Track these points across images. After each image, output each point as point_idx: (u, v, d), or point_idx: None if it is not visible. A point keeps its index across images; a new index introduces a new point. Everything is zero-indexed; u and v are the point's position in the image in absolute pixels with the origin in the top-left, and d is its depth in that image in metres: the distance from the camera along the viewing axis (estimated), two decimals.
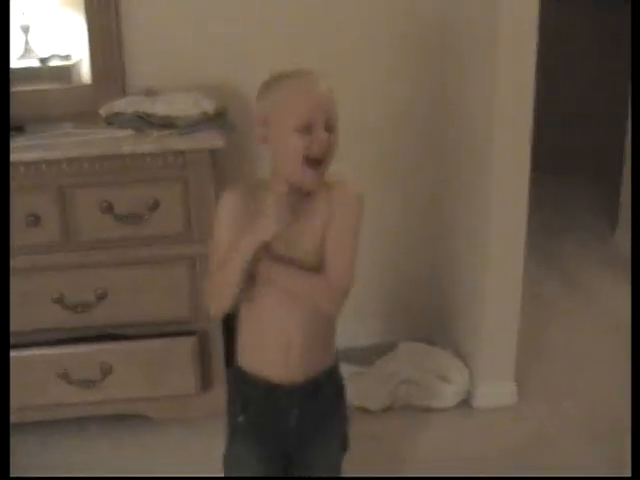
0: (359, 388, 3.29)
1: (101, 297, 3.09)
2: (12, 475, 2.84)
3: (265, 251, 2.05)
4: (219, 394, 3.27)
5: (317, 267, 2.08)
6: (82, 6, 3.31)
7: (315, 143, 1.99)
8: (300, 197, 2.05)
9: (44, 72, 3.43)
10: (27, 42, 3.38)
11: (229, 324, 3.35)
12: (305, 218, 2.07)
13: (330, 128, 2.01)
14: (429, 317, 3.88)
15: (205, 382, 3.26)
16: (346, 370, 2.37)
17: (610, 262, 4.81)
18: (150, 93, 3.27)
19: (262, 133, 2.06)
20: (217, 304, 2.16)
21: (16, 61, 3.38)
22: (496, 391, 3.42)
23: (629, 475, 2.09)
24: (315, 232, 2.08)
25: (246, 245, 2.01)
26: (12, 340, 2.96)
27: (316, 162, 2.01)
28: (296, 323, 2.12)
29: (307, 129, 1.98)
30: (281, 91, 2.04)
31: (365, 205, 2.12)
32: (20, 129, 3.07)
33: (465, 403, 3.43)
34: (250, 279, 2.09)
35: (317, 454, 2.27)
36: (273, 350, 2.15)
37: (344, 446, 2.34)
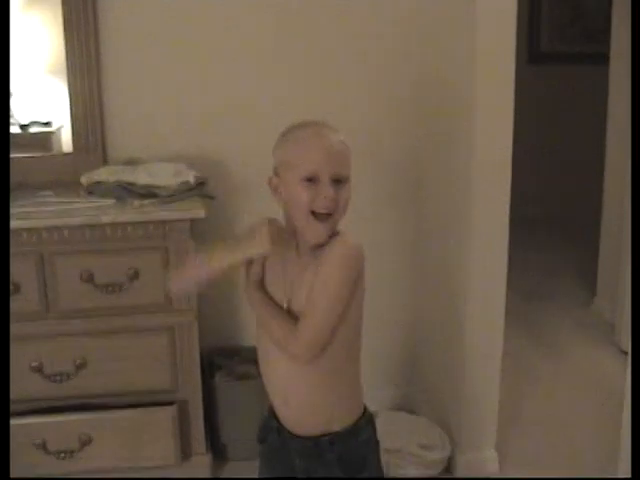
0: None
1: (80, 366, 3.07)
2: None
3: (258, 287, 2.11)
4: (199, 464, 3.26)
5: None
6: (64, 74, 3.33)
7: (320, 197, 1.97)
8: (303, 248, 2.06)
9: (24, 139, 3.43)
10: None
11: (210, 395, 3.34)
12: (304, 270, 2.04)
13: (339, 181, 1.99)
14: (410, 386, 3.88)
15: (185, 452, 3.23)
16: None
17: (590, 328, 4.84)
18: (131, 162, 3.29)
19: (274, 183, 2.06)
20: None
21: None
22: (477, 459, 3.40)
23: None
24: (309, 284, 2.02)
25: (234, 258, 2.06)
26: None
27: (323, 215, 1.99)
28: (294, 381, 2.09)
29: (313, 181, 1.97)
30: (291, 141, 2.04)
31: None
32: None
33: (446, 471, 3.41)
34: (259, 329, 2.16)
35: None
36: (275, 400, 2.17)
37: None
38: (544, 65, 6.66)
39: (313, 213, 1.99)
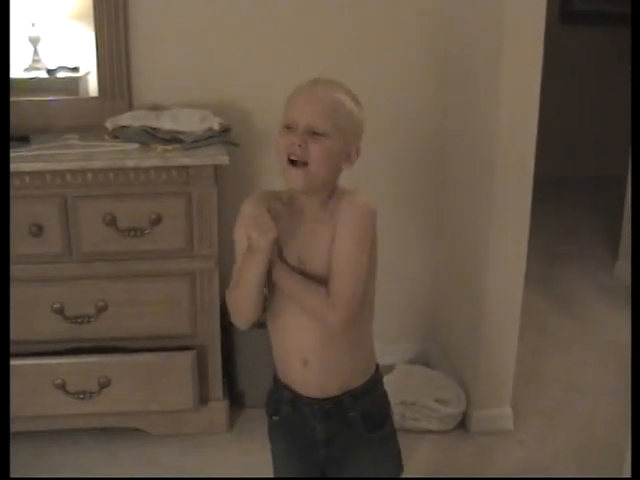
0: None
1: (101, 309, 3.09)
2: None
3: (279, 260, 2.03)
4: (216, 410, 3.29)
5: None
6: (92, 19, 3.33)
7: (291, 144, 1.96)
8: (310, 208, 2.04)
9: (51, 83, 3.44)
10: (36, 53, 3.39)
11: (228, 341, 3.36)
12: (317, 231, 2.02)
13: (317, 134, 1.96)
14: (428, 341, 3.90)
15: (203, 398, 3.27)
16: None
17: (610, 291, 4.82)
18: (156, 108, 3.29)
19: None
20: (237, 318, 2.13)
21: (23, 72, 3.40)
22: (492, 416, 3.41)
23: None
24: (325, 245, 2.00)
25: (250, 267, 1.99)
26: (10, 349, 2.97)
27: (297, 162, 1.97)
28: (313, 339, 2.06)
29: (292, 128, 1.97)
30: (289, 95, 2.04)
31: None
32: (25, 139, 3.09)
33: (461, 426, 3.42)
34: (271, 290, 2.09)
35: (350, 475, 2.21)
36: (292, 363, 2.12)
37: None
38: (577, 25, 6.55)
39: (290, 161, 1.98)
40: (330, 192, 2.05)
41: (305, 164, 1.97)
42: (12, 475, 2.95)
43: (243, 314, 2.11)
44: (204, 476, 3.11)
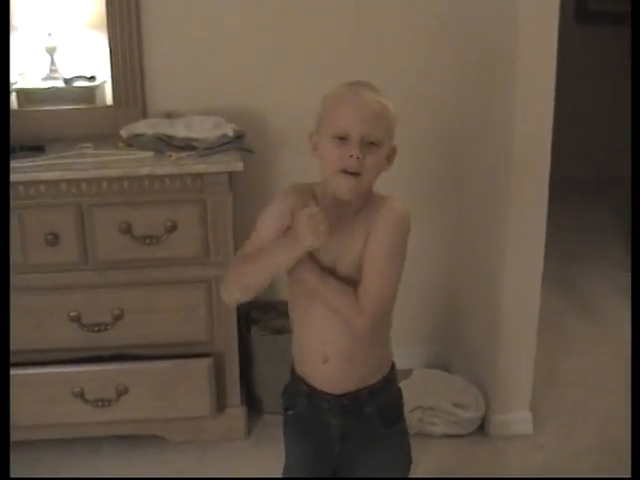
0: None
1: (118, 317, 3.10)
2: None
3: (310, 259, 2.02)
4: (234, 416, 3.29)
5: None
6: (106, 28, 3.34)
7: (346, 156, 1.94)
8: (344, 209, 2.03)
9: (68, 93, 3.44)
10: (53, 63, 3.40)
11: (245, 348, 3.37)
12: (351, 232, 2.03)
13: (372, 143, 1.96)
14: (445, 345, 3.89)
15: (220, 404, 3.27)
16: None
17: (628, 291, 4.78)
18: (170, 116, 3.30)
19: (313, 141, 2.04)
20: (231, 292, 2.12)
21: (41, 82, 3.41)
22: (511, 419, 3.39)
23: None
24: (358, 247, 2.02)
25: (282, 258, 1.99)
26: (28, 358, 3.01)
27: (351, 173, 1.96)
28: (334, 337, 2.07)
29: (344, 139, 1.95)
30: (329, 99, 2.03)
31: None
32: (41, 148, 3.10)
33: (480, 430, 3.41)
34: (293, 286, 2.11)
35: (363, 474, 2.22)
36: (311, 359, 2.13)
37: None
38: (592, 24, 6.51)
39: (340, 170, 1.96)
40: (367, 195, 2.05)
41: (357, 174, 1.96)
42: None
43: (245, 288, 2.09)
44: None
